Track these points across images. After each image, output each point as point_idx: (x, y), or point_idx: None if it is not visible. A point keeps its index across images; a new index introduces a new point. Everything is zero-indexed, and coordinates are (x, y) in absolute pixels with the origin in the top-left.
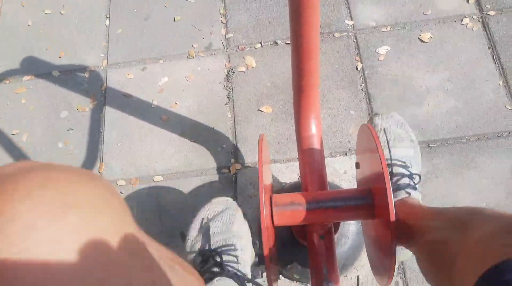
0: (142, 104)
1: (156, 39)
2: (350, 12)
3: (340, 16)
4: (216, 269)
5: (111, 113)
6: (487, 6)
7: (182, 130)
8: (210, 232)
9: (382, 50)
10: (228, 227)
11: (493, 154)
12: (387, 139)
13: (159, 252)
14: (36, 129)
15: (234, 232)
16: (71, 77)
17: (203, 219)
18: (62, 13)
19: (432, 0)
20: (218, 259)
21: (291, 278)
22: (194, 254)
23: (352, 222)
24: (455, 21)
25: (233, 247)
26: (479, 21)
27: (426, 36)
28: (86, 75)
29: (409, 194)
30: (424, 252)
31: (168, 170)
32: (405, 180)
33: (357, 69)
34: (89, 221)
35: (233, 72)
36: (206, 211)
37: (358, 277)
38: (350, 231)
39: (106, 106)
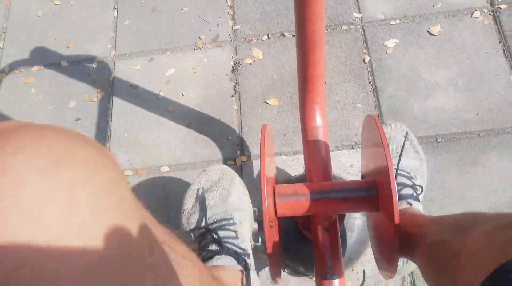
0: (149, 95)
1: (163, 31)
2: (358, 5)
3: (348, 9)
4: (214, 247)
5: (118, 104)
6: None
7: (189, 121)
8: (207, 204)
9: (390, 43)
10: (225, 198)
11: (502, 151)
12: (393, 148)
13: (154, 227)
14: (44, 119)
15: (232, 204)
16: (79, 67)
17: (198, 189)
18: (71, 3)
19: None
20: (216, 236)
21: (295, 271)
22: (191, 228)
23: (358, 215)
24: (465, 15)
25: (231, 221)
26: (490, 14)
27: (435, 29)
28: (94, 66)
29: (411, 204)
30: (424, 256)
31: (175, 161)
32: (408, 190)
33: (364, 62)
34: (82, 179)
35: (240, 64)
36: (202, 181)
37: (364, 272)
38: (355, 225)
39: (114, 97)
